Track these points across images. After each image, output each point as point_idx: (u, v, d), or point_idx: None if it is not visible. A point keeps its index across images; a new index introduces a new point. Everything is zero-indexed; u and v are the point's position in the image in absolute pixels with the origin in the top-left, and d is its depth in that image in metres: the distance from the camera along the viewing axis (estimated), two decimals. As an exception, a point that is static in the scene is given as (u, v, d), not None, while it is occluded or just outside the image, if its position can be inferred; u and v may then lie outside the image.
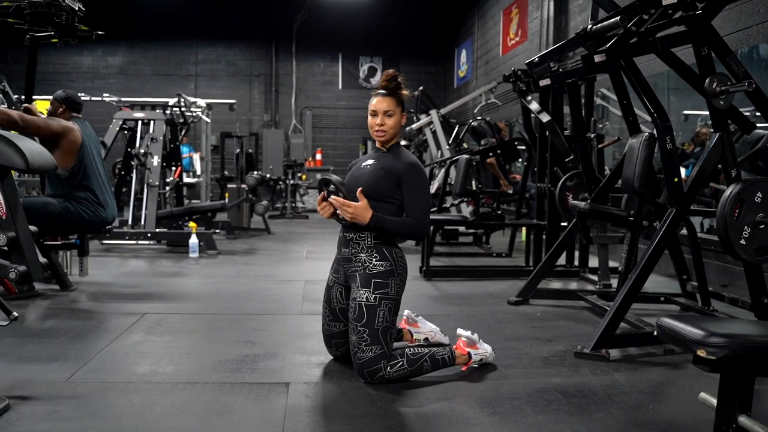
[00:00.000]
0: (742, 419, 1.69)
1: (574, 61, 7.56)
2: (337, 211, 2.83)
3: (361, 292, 2.77)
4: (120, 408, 2.42)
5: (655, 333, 1.81)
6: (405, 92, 2.91)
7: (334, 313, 2.98)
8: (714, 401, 1.81)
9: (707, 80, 3.18)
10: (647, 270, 3.29)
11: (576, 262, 5.65)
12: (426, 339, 3.25)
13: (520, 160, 8.31)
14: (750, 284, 3.37)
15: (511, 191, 7.78)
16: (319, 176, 2.95)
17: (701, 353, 1.60)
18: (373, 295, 2.75)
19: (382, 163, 2.87)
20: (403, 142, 10.29)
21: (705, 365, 1.63)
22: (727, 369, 1.66)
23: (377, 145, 2.96)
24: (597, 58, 3.25)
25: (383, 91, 2.87)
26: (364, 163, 2.94)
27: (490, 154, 7.19)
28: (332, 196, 2.80)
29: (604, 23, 3.36)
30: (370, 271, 2.79)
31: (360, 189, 2.78)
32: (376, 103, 2.86)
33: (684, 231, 4.05)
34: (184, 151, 12.23)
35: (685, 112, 6.66)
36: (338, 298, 2.97)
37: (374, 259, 2.80)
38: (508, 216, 7.33)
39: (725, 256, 4.98)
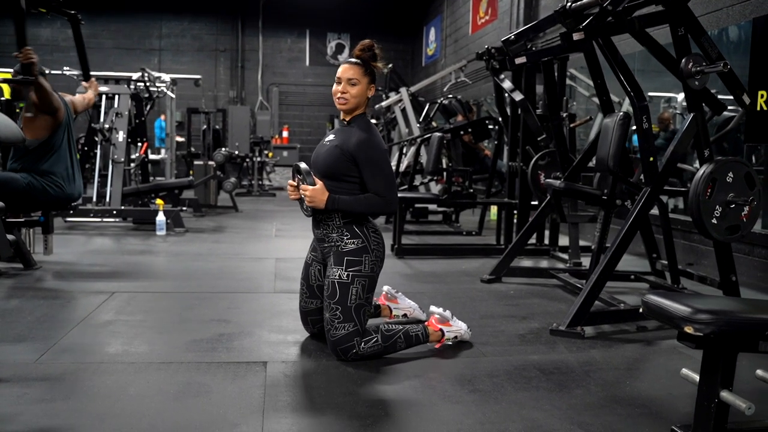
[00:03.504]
0: (725, 394, 1.72)
1: (545, 40, 7.58)
2: (304, 203, 2.79)
3: (335, 269, 2.74)
4: (93, 389, 2.36)
5: (641, 310, 1.81)
6: (379, 64, 2.83)
7: (311, 290, 2.95)
8: (696, 377, 1.83)
9: (683, 60, 3.20)
10: (622, 248, 3.32)
11: (546, 241, 5.70)
12: (405, 315, 3.25)
13: (489, 138, 8.32)
14: (719, 262, 3.43)
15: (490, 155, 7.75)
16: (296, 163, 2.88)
17: (689, 330, 1.61)
18: (346, 273, 2.72)
19: (338, 140, 2.79)
20: (372, 121, 10.29)
21: (690, 342, 1.65)
22: (712, 345, 1.68)
23: (342, 116, 2.88)
24: (576, 36, 3.24)
25: (353, 60, 2.80)
26: (326, 139, 2.87)
27: (462, 132, 7.17)
28: (302, 185, 2.75)
29: (583, 1, 3.35)
30: (343, 250, 2.75)
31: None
32: (342, 70, 2.78)
33: (655, 210, 4.11)
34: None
35: (650, 93, 6.74)
36: (316, 276, 2.93)
37: (345, 238, 2.76)
38: (479, 195, 7.35)
39: (691, 235, 5.08)
